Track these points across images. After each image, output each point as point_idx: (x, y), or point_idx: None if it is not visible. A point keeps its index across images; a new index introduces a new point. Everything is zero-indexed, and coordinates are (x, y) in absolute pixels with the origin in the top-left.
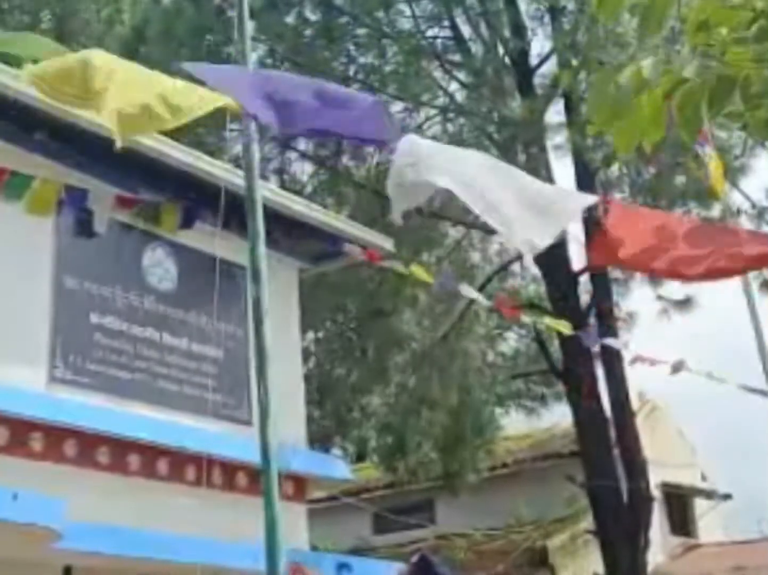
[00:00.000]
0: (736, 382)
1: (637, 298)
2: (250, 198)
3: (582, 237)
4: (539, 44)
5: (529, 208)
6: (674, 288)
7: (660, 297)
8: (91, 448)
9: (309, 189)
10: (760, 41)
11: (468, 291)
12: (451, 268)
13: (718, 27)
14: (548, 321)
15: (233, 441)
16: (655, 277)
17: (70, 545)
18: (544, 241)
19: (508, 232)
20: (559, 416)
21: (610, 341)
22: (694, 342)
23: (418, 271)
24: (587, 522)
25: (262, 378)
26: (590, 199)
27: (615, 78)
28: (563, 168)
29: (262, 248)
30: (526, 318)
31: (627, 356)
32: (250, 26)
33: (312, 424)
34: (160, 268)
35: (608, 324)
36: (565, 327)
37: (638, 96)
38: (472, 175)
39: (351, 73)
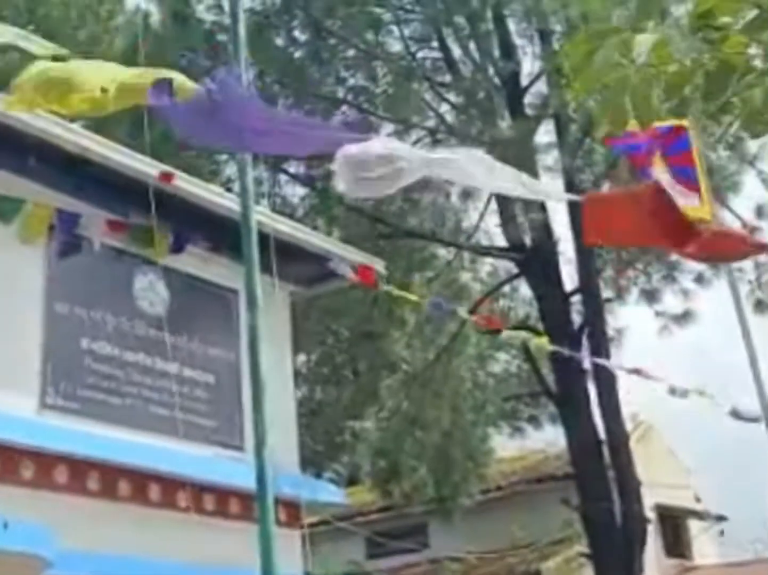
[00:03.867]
0: (729, 406)
1: (631, 315)
2: (246, 225)
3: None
4: (529, 64)
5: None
6: (672, 304)
7: (659, 313)
8: (82, 475)
9: (300, 212)
10: (758, 31)
11: (460, 312)
12: (442, 289)
13: (721, 17)
14: (538, 343)
15: (225, 467)
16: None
17: (61, 573)
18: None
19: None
20: (552, 437)
21: (599, 360)
22: (687, 358)
23: (409, 296)
24: (582, 545)
25: (257, 409)
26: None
27: (600, 45)
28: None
29: (257, 275)
30: (514, 338)
31: (620, 372)
32: (243, 50)
33: (304, 448)
34: (151, 293)
35: (600, 344)
36: (544, 345)
37: (621, 69)
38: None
39: (340, 94)
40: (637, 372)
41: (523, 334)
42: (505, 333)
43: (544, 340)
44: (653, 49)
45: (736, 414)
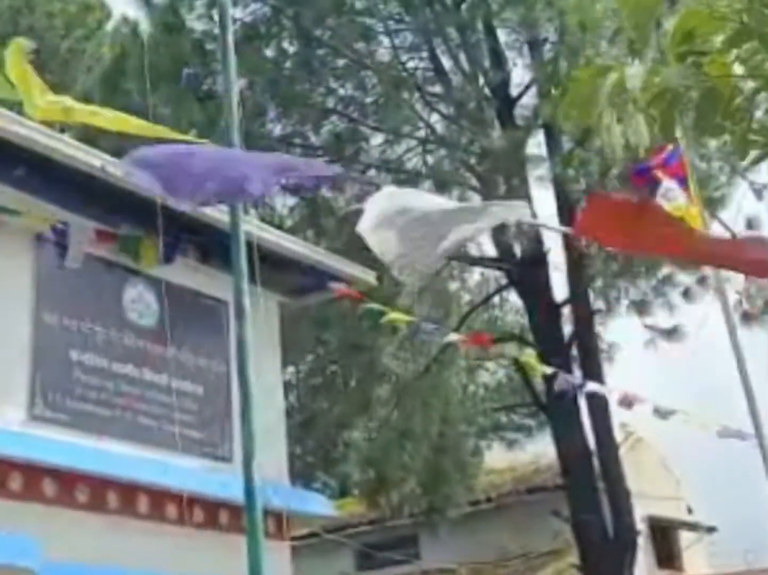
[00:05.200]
0: (718, 422)
1: (621, 328)
2: (235, 235)
3: (563, 261)
4: (519, 74)
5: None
6: (661, 318)
7: (647, 326)
8: (70, 486)
9: (289, 222)
10: (741, 48)
11: (448, 335)
12: (432, 298)
13: (703, 37)
14: (527, 358)
15: (214, 478)
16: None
17: None
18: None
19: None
20: (542, 448)
21: (592, 386)
22: (677, 371)
23: (397, 317)
24: (573, 556)
25: (246, 420)
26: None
27: (596, 81)
28: (544, 199)
29: (245, 286)
30: (503, 352)
31: (609, 395)
32: (232, 60)
33: (294, 460)
34: (140, 304)
35: (590, 355)
36: (538, 367)
37: (616, 99)
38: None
39: (330, 104)
40: (625, 402)
41: (513, 351)
42: (495, 348)
43: (534, 358)
44: (644, 82)
45: (724, 433)
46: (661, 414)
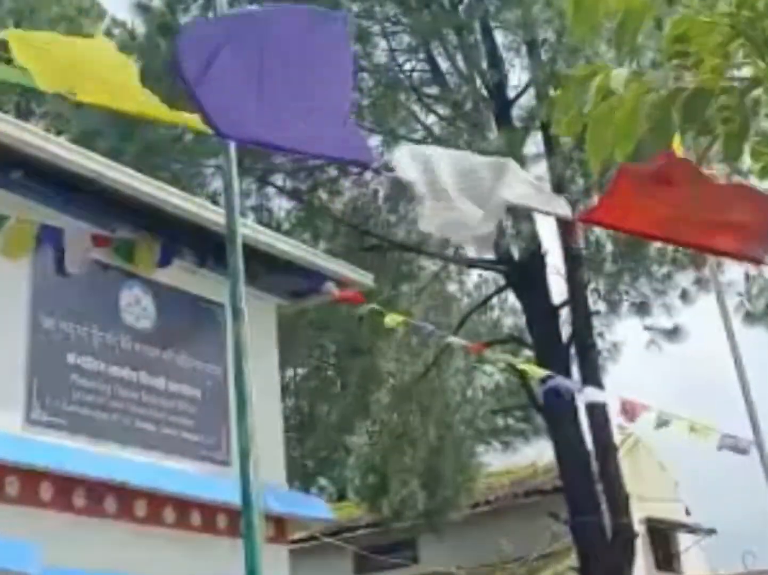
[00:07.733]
0: (719, 431)
1: (622, 328)
2: (231, 239)
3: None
4: (517, 76)
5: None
6: (662, 318)
7: (648, 328)
8: (68, 491)
9: (286, 225)
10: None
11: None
12: (430, 300)
13: (696, 39)
14: (524, 364)
15: (212, 482)
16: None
17: None
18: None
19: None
20: (540, 450)
21: (593, 393)
22: (677, 371)
23: (395, 318)
24: (571, 559)
25: (242, 423)
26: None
27: (582, 88)
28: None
29: (242, 289)
30: (500, 357)
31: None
32: None
33: (292, 463)
34: (137, 307)
35: (589, 357)
36: (536, 371)
37: (604, 103)
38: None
39: None
40: (625, 412)
41: (510, 356)
42: (492, 356)
43: (531, 364)
44: (628, 83)
45: (725, 446)
46: (663, 423)
